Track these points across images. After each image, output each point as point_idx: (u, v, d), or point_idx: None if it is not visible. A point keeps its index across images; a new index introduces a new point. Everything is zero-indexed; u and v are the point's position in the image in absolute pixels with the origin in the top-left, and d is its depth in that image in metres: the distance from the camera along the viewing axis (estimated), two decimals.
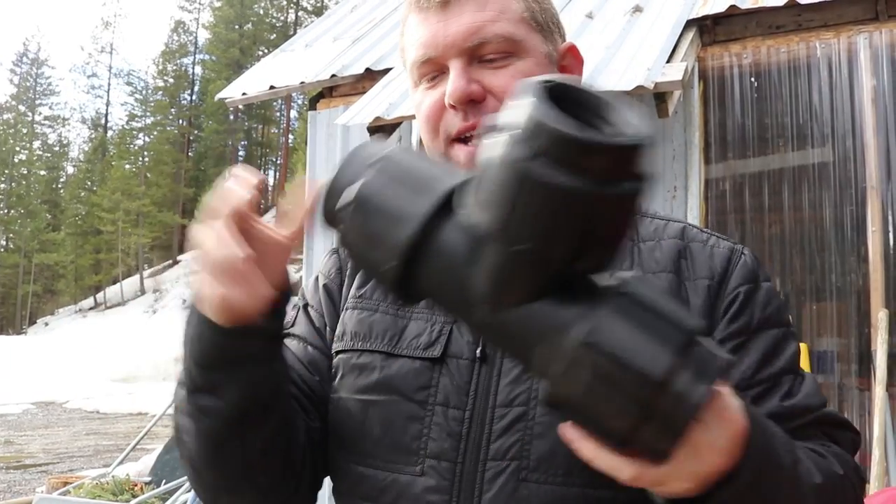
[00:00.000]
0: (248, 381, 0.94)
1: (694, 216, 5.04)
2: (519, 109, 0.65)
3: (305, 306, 1.20)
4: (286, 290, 0.96)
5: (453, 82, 1.05)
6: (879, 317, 4.56)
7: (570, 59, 1.16)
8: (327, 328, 1.16)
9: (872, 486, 4.00)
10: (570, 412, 0.69)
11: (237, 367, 0.93)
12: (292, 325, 1.18)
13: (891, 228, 4.78)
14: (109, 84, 71.50)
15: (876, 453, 4.13)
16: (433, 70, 1.09)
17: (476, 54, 1.06)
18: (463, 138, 1.07)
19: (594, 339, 0.65)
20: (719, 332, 1.01)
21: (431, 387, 1.03)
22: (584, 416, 0.68)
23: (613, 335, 0.65)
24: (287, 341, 1.15)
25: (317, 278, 1.22)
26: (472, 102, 1.05)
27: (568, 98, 0.67)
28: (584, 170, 0.62)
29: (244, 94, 7.14)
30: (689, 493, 0.74)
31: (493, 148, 0.66)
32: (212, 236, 0.86)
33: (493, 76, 1.06)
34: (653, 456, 0.69)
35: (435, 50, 1.07)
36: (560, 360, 0.66)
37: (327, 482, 1.15)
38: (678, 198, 5.19)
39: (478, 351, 1.02)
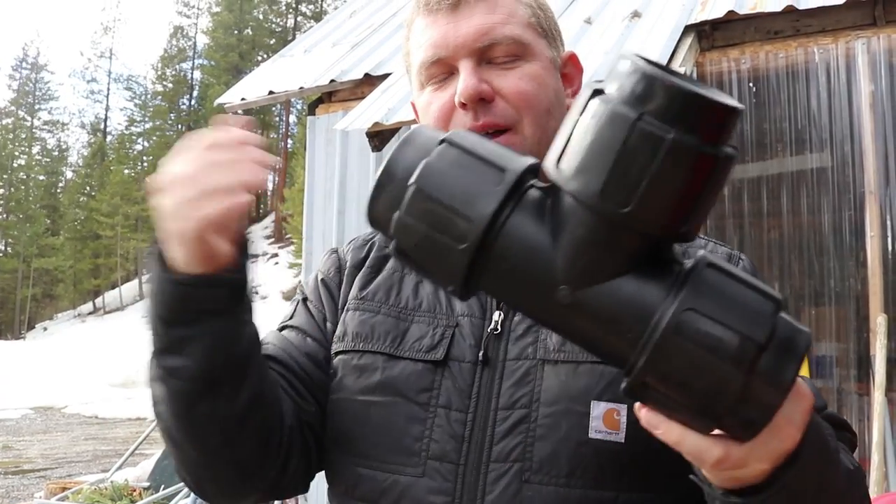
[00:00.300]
0: (214, 337, 0.93)
1: None
2: (628, 70, 0.64)
3: (304, 300, 1.20)
4: (246, 246, 0.96)
5: (464, 81, 1.05)
6: (878, 321, 4.56)
7: (571, 67, 1.18)
8: (327, 322, 1.16)
9: (872, 491, 3.99)
10: (661, 394, 0.66)
11: (202, 321, 0.92)
12: (290, 318, 1.18)
13: (889, 233, 4.79)
14: (109, 89, 71.61)
15: (875, 458, 4.13)
16: (442, 71, 1.10)
17: (485, 56, 1.07)
18: None
19: (695, 309, 0.63)
20: None
21: (434, 389, 1.03)
22: (677, 395, 0.65)
23: (712, 305, 0.63)
24: (285, 332, 1.15)
25: (316, 276, 1.22)
26: (483, 102, 1.06)
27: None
28: (694, 127, 0.61)
29: (243, 99, 7.14)
30: (763, 477, 0.73)
31: (598, 109, 0.64)
32: (208, 159, 0.87)
33: (502, 77, 1.07)
34: (742, 434, 0.68)
35: (445, 50, 1.08)
36: (657, 336, 0.63)
37: (325, 483, 1.14)
38: None
39: (480, 354, 1.03)
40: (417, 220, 0.69)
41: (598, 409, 0.96)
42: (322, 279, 1.20)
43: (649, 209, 0.63)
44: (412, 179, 0.69)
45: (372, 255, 1.18)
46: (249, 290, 0.99)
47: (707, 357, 0.62)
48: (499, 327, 1.04)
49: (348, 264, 1.19)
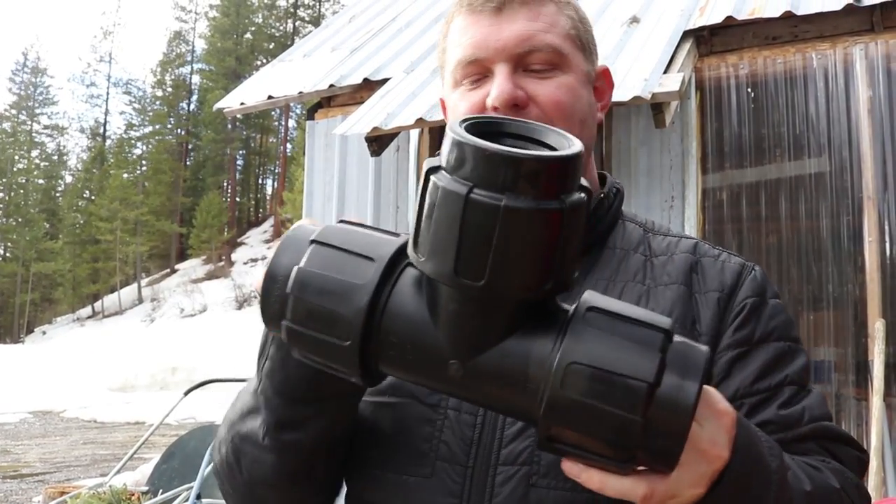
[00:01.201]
0: (335, 415, 0.97)
1: (691, 226, 5.05)
2: (450, 144, 0.64)
3: None
4: None
5: (499, 85, 1.05)
6: (876, 327, 4.57)
7: (603, 81, 1.19)
8: None
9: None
10: (569, 445, 0.66)
11: (328, 402, 0.94)
12: None
13: (887, 238, 4.79)
14: (108, 93, 71.68)
15: (873, 463, 4.13)
16: (477, 72, 1.10)
17: (523, 62, 1.07)
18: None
19: (578, 361, 0.63)
20: (725, 339, 1.03)
21: None
22: (584, 443, 0.66)
23: (596, 352, 0.64)
24: None
25: None
26: (516, 107, 1.05)
27: (499, 132, 0.68)
28: (525, 188, 0.61)
29: (242, 103, 7.15)
30: (700, 498, 0.74)
31: (433, 189, 0.65)
32: None
33: (537, 85, 1.07)
34: (661, 466, 0.69)
35: (485, 52, 1.08)
36: (548, 393, 0.64)
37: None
38: (675, 207, 5.20)
39: None
40: (303, 326, 0.70)
41: None
42: None
43: (505, 278, 0.64)
44: (288, 288, 0.70)
45: None
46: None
47: (600, 406, 0.63)
48: None
49: None
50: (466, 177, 0.62)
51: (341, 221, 0.76)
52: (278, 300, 0.72)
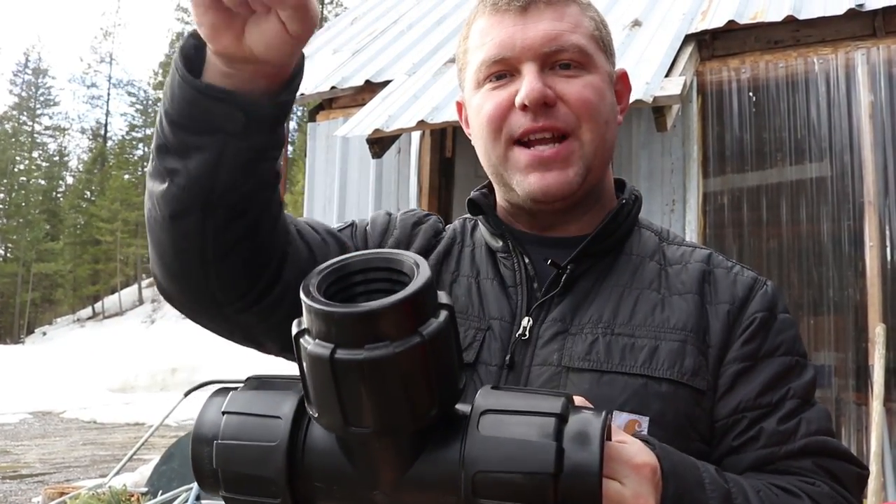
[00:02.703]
0: (221, 155, 0.91)
1: (692, 230, 5.05)
2: (306, 308, 0.68)
3: (357, 223, 1.22)
4: (289, 80, 0.94)
5: (529, 83, 1.05)
6: (877, 331, 4.56)
7: (622, 85, 1.19)
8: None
9: (869, 502, 3.99)
10: None
11: (213, 134, 0.90)
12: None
13: (888, 243, 4.79)
14: (109, 94, 71.65)
15: (873, 468, 4.12)
16: (503, 70, 1.09)
17: (550, 60, 1.08)
18: (525, 141, 1.08)
19: (482, 470, 0.67)
20: (732, 352, 1.04)
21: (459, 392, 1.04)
22: None
23: (496, 457, 0.68)
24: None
25: (389, 213, 1.24)
26: (545, 105, 1.06)
27: (350, 273, 0.72)
28: (379, 336, 0.65)
29: None
30: None
31: (304, 354, 0.68)
32: None
33: (565, 84, 1.07)
34: None
35: (511, 51, 1.08)
36: (468, 497, 0.68)
37: None
38: (676, 211, 5.20)
39: (507, 358, 1.05)
40: (236, 493, 0.75)
41: (620, 419, 0.97)
42: (385, 223, 1.22)
43: (391, 418, 0.68)
44: (214, 463, 0.74)
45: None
46: (279, 127, 0.96)
47: (517, 500, 0.67)
48: (527, 333, 1.06)
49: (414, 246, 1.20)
50: (327, 338, 0.66)
51: (248, 379, 0.80)
52: (210, 473, 0.75)
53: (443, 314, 0.69)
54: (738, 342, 1.04)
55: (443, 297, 0.71)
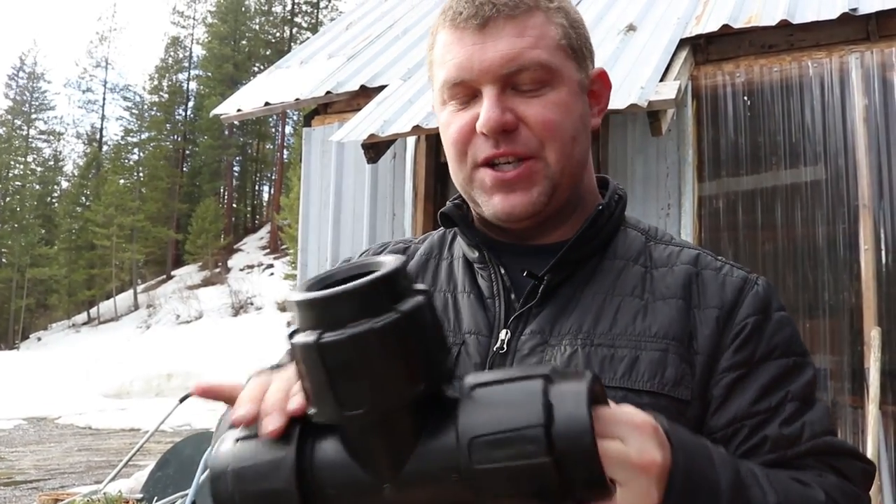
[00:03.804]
0: None
1: (687, 233, 5.06)
2: (291, 304, 0.72)
3: None
4: None
5: (487, 111, 1.03)
6: (872, 335, 4.57)
7: (600, 84, 1.15)
8: None
9: None
10: None
11: None
12: None
13: (883, 246, 4.80)
14: (104, 99, 71.61)
15: None
16: (465, 93, 1.07)
17: (511, 81, 1.04)
18: (491, 163, 1.06)
19: (477, 435, 0.69)
20: (724, 361, 1.01)
21: None
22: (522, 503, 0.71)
23: (488, 421, 0.69)
24: None
25: None
26: (504, 132, 1.03)
27: (338, 280, 0.75)
28: (359, 314, 0.68)
29: (239, 110, 7.16)
30: None
31: (295, 351, 0.72)
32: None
33: (526, 105, 1.04)
34: (599, 493, 0.70)
35: (469, 73, 1.04)
36: (467, 475, 0.69)
37: None
38: (672, 215, 5.21)
39: None
40: None
41: None
42: None
43: (382, 395, 0.70)
44: (229, 486, 0.76)
45: None
46: None
47: (512, 465, 0.68)
48: (505, 346, 1.04)
49: None
50: (313, 327, 0.70)
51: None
52: (228, 499, 0.77)
53: (421, 295, 0.72)
54: (730, 350, 1.01)
55: (420, 284, 0.75)
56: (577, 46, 1.10)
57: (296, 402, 0.75)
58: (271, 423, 0.74)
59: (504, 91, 1.04)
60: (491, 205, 1.07)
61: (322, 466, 0.74)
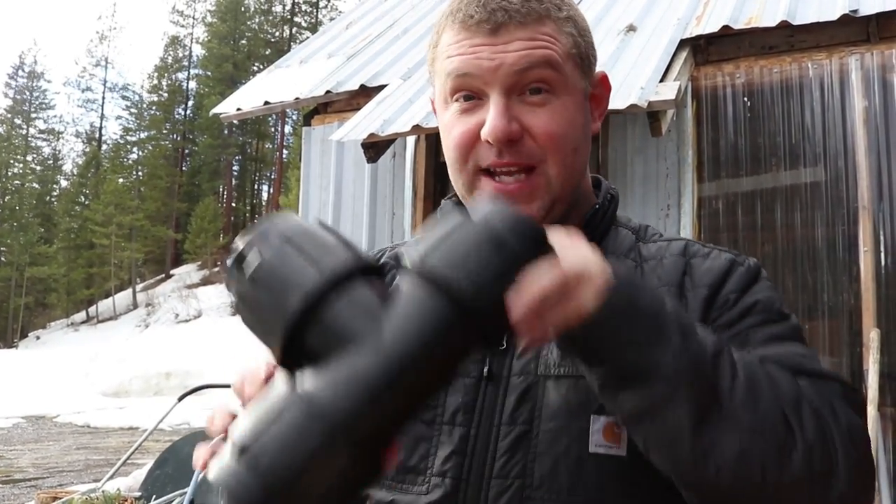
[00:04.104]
0: None
1: (686, 234, 5.06)
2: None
3: None
4: None
5: (493, 120, 1.02)
6: (871, 336, 4.57)
7: (601, 88, 1.15)
8: None
9: None
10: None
11: None
12: None
13: (882, 248, 4.80)
14: (104, 98, 71.59)
15: None
16: (469, 89, 1.05)
17: (518, 87, 1.03)
18: (492, 171, 1.05)
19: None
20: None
21: (439, 406, 1.03)
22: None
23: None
24: None
25: None
26: (510, 142, 1.02)
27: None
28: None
29: (239, 109, 7.15)
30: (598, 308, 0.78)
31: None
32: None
33: (532, 115, 1.03)
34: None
35: (477, 69, 1.03)
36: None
37: None
38: (671, 216, 5.21)
39: (485, 370, 1.03)
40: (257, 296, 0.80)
41: (599, 422, 0.96)
42: None
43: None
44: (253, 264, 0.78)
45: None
46: None
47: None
48: (504, 343, 1.04)
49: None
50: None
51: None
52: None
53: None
54: (717, 324, 1.00)
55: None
56: (585, 54, 1.09)
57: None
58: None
59: (510, 97, 1.03)
60: None
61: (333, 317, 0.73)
